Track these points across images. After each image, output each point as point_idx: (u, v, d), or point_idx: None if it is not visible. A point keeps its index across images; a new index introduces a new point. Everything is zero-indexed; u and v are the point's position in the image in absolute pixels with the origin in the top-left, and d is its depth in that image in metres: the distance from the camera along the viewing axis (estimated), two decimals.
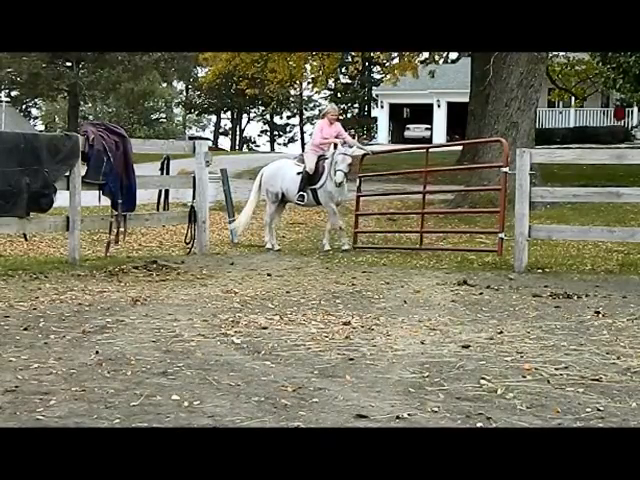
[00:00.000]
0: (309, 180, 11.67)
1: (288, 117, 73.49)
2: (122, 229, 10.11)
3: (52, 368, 4.81)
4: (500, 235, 10.36)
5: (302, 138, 65.94)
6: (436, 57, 35.64)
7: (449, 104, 47.06)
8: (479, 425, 3.83)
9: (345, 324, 6.20)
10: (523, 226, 9.57)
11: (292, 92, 62.07)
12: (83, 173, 9.69)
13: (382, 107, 52.44)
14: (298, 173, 11.79)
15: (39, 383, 4.49)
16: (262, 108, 66.22)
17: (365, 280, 8.70)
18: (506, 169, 10.38)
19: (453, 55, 51.90)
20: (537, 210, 13.66)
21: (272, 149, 69.91)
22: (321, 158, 11.67)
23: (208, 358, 5.11)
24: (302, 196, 11.76)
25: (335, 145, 11.55)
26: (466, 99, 27.60)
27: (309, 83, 34.76)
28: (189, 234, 11.05)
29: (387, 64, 34.62)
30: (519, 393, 4.37)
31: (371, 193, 15.05)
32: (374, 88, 56.77)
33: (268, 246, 11.85)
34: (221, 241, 12.67)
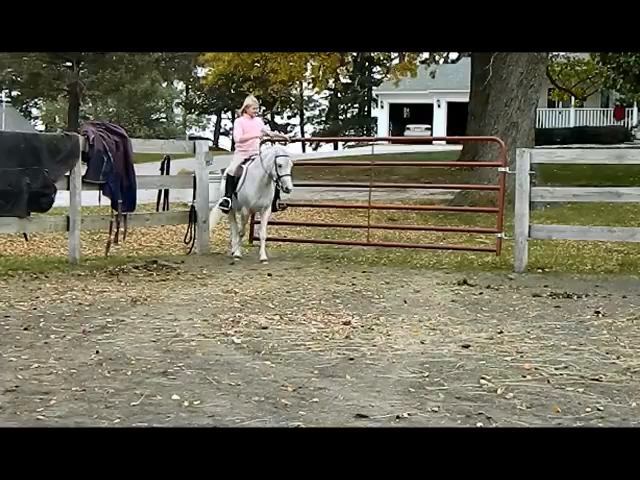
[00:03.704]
0: (232, 184, 10.51)
1: (289, 117, 73.50)
2: (122, 229, 10.11)
3: (52, 368, 4.81)
4: (498, 235, 10.35)
5: (300, 141, 65.71)
6: (436, 57, 35.64)
7: (449, 104, 47.05)
8: (479, 425, 3.83)
9: (345, 324, 6.20)
10: (523, 226, 9.57)
11: (293, 92, 62.04)
12: (83, 173, 9.69)
13: (382, 107, 52.41)
14: (223, 178, 10.76)
15: (39, 383, 4.50)
16: (263, 108, 66.17)
17: (365, 280, 8.70)
18: (504, 169, 10.37)
19: (453, 55, 51.95)
20: (537, 210, 13.66)
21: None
22: (247, 160, 10.50)
23: (208, 358, 5.11)
24: (226, 201, 10.47)
25: (265, 142, 10.73)
26: (466, 99, 27.60)
27: (309, 83, 34.77)
28: (189, 234, 11.05)
29: (387, 64, 34.63)
30: (519, 393, 4.37)
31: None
32: (374, 88, 56.77)
33: (235, 253, 10.63)
34: (221, 241, 12.66)
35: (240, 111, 11.06)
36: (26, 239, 10.30)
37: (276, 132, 12.70)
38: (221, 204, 10.59)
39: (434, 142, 39.66)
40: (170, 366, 4.89)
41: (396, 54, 34.04)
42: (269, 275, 8.98)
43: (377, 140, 35.28)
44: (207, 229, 11.23)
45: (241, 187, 10.43)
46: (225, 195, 10.53)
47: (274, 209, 10.82)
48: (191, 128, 76.19)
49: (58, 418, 3.89)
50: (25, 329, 5.92)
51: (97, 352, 5.20)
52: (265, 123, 12.96)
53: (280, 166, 10.00)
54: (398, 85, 32.56)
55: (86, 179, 9.68)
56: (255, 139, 10.75)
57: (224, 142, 72.45)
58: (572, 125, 39.07)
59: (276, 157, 10.05)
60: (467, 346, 5.48)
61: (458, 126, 34.20)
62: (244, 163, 10.53)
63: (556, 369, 4.89)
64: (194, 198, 11.23)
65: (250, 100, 11.05)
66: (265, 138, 11.12)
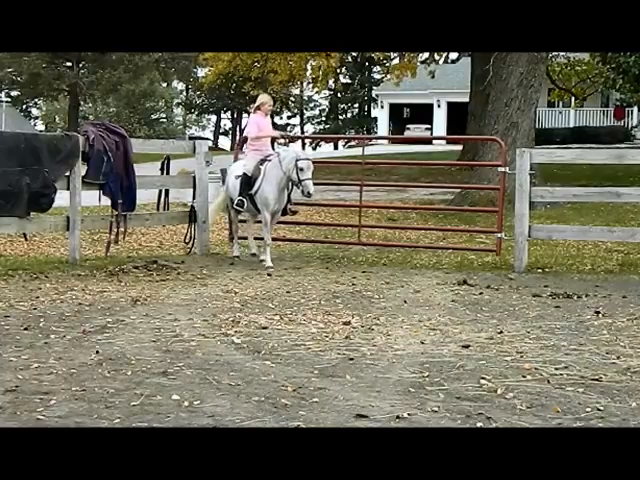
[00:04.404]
0: (248, 184, 10.18)
1: (288, 117, 73.51)
2: (122, 229, 10.11)
3: (52, 368, 4.82)
4: (498, 235, 10.35)
5: (303, 139, 65.84)
6: (436, 57, 35.63)
7: (449, 104, 47.07)
8: (479, 425, 3.83)
9: (345, 324, 6.21)
10: (523, 226, 9.57)
11: (293, 92, 62.03)
12: (83, 173, 9.69)
13: (382, 107, 52.45)
14: (236, 177, 10.39)
15: (39, 383, 4.50)
16: None
17: (365, 280, 8.70)
18: (503, 169, 10.35)
19: (453, 55, 51.95)
20: (537, 210, 13.66)
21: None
22: (263, 160, 10.20)
23: (208, 358, 5.11)
24: (241, 201, 10.18)
25: (273, 141, 10.48)
26: (466, 99, 27.61)
27: (309, 83, 34.80)
28: (189, 234, 11.05)
29: (387, 64, 34.64)
30: (519, 393, 4.38)
31: None
32: (374, 88, 56.80)
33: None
34: (221, 241, 12.66)
35: (254, 108, 10.63)
36: (26, 239, 10.30)
37: (283, 132, 12.50)
38: (237, 204, 10.28)
39: (434, 142, 39.67)
40: (170, 366, 4.89)
41: (396, 54, 34.06)
42: (269, 275, 8.99)
43: (376, 139, 35.25)
44: (207, 229, 11.22)
45: (259, 189, 10.07)
46: (240, 195, 10.21)
47: (284, 213, 10.52)
48: (191, 128, 76.19)
49: (58, 418, 3.89)
50: (25, 329, 5.92)
51: (97, 352, 5.20)
52: None
53: (302, 170, 9.71)
54: (399, 85, 32.59)
55: (86, 179, 9.68)
56: (268, 138, 10.51)
57: (224, 142, 72.50)
58: (572, 125, 39.06)
59: (297, 160, 9.77)
60: (467, 346, 5.49)
61: (458, 126, 34.21)
62: (261, 164, 10.17)
63: (556, 369, 4.89)
64: (194, 198, 11.22)
65: (265, 97, 10.70)
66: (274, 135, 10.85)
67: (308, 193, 9.79)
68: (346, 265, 10.12)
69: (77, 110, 48.21)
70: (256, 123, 10.43)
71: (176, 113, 75.48)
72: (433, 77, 33.89)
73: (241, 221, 11.01)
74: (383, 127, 52.37)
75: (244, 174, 10.22)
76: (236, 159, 11.68)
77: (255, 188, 10.10)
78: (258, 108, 10.50)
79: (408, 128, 48.63)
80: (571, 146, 25.04)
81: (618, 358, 5.18)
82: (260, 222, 10.63)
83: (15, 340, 5.57)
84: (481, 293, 7.89)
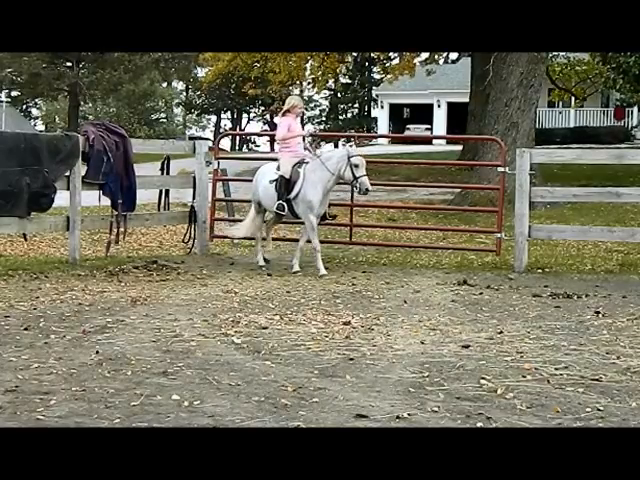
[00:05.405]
0: (287, 188, 9.69)
1: None
2: (122, 229, 10.10)
3: (52, 368, 4.82)
4: (498, 235, 10.34)
5: (302, 138, 65.86)
6: (436, 57, 35.63)
7: (449, 104, 47.05)
8: (479, 425, 3.83)
9: (345, 324, 6.21)
10: (523, 226, 9.58)
11: (293, 92, 61.93)
12: (83, 173, 9.69)
13: (382, 107, 52.46)
14: (271, 181, 9.88)
15: (39, 383, 4.50)
16: (262, 108, 66.16)
17: (365, 280, 8.70)
18: (503, 169, 10.33)
19: (453, 55, 51.93)
20: (537, 210, 13.66)
21: (272, 149, 69.57)
22: (298, 163, 9.77)
23: (208, 358, 5.11)
24: (282, 205, 9.68)
25: (304, 138, 10.20)
26: (466, 99, 27.60)
27: (309, 83, 34.77)
28: (188, 234, 11.04)
29: (387, 64, 34.66)
30: (519, 393, 4.38)
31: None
32: (374, 88, 56.75)
33: (258, 261, 10.05)
34: (221, 241, 12.65)
35: (283, 110, 10.21)
36: (25, 239, 10.28)
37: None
38: (277, 208, 9.77)
39: (434, 142, 39.64)
40: (170, 366, 4.89)
41: (396, 54, 34.08)
42: (269, 275, 8.99)
43: (381, 137, 35.19)
44: (207, 229, 11.19)
45: (300, 192, 9.59)
46: (279, 199, 9.72)
47: (324, 218, 9.96)
48: (191, 128, 76.14)
49: (58, 418, 3.89)
50: (25, 329, 5.92)
51: (97, 352, 5.21)
52: (264, 123, 12.61)
53: (356, 166, 9.31)
54: (392, 83, 32.57)
55: (86, 179, 9.68)
56: (300, 138, 10.16)
57: (224, 143, 72.42)
58: (572, 125, 39.06)
59: (350, 157, 9.36)
60: (467, 346, 5.49)
61: (458, 126, 34.19)
62: (299, 167, 9.74)
63: (556, 369, 4.90)
64: (194, 198, 11.22)
65: (296, 100, 10.37)
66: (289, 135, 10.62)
67: (366, 190, 9.39)
68: (346, 265, 10.12)
69: (77, 110, 48.13)
70: (287, 125, 10.06)
71: (176, 113, 75.46)
72: (429, 74, 33.90)
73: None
74: (383, 127, 52.32)
75: (282, 177, 9.78)
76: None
77: (295, 192, 9.67)
78: (288, 111, 10.12)
79: (408, 128, 48.58)
80: (571, 146, 25.04)
81: (618, 358, 5.19)
82: (281, 223, 10.31)
83: (15, 340, 5.57)
84: (481, 293, 7.90)
